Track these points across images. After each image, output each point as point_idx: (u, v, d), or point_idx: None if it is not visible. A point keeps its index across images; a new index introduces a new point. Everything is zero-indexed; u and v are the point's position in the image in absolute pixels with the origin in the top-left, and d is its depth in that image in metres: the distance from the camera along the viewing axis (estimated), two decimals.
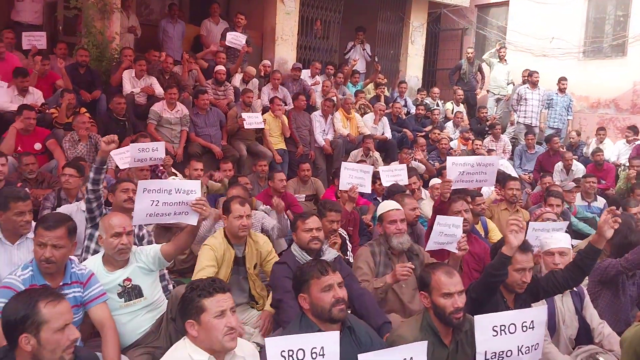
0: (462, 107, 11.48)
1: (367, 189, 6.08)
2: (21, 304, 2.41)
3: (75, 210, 4.99)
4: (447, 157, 5.15)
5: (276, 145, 8.46)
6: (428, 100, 11.49)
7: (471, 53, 12.22)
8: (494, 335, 2.97)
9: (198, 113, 8.00)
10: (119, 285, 3.56)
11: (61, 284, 3.28)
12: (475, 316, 2.99)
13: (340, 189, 6.13)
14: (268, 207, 5.96)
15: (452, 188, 4.72)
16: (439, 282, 3.01)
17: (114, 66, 8.30)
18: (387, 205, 4.38)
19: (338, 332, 2.74)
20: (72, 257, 3.47)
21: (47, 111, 7.07)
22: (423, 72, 13.05)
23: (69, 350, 2.45)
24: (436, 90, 11.84)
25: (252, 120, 7.95)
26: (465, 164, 4.73)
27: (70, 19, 9.10)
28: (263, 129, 8.28)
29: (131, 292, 3.60)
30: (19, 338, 2.36)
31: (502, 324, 2.98)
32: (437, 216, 4.15)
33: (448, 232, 4.08)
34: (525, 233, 3.57)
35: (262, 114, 8.46)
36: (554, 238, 4.07)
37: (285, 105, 9.16)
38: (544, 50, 12.35)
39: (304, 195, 7.45)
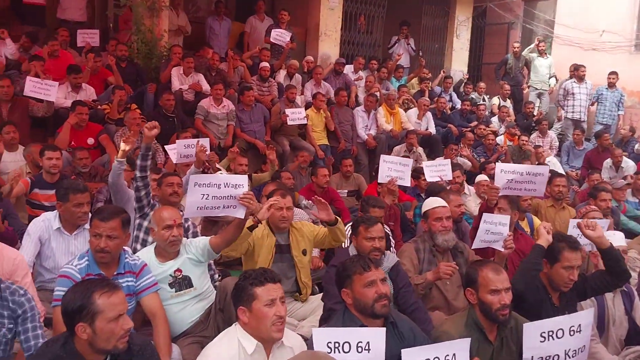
0: (508, 102, 11.31)
1: (407, 182, 6.07)
2: (78, 294, 2.50)
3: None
4: (496, 164, 5.07)
5: (319, 141, 8.51)
6: (474, 95, 11.35)
7: (517, 47, 11.99)
8: (541, 342, 2.96)
9: (243, 109, 8.12)
10: (170, 275, 3.68)
11: (115, 273, 3.41)
12: (524, 324, 3.00)
13: (379, 181, 6.13)
14: (310, 202, 6.03)
15: (500, 195, 4.64)
16: (486, 278, 3.02)
17: (163, 63, 8.51)
18: (433, 202, 4.35)
19: (384, 329, 2.77)
20: (125, 247, 3.61)
21: (99, 107, 7.30)
22: (468, 66, 12.90)
23: (122, 340, 2.51)
24: (482, 85, 11.68)
25: (295, 116, 8.03)
26: (515, 172, 4.63)
27: (118, 16, 9.38)
28: (306, 124, 8.36)
29: (182, 282, 3.71)
30: (76, 327, 2.45)
31: (550, 329, 2.98)
32: (484, 214, 4.13)
33: (494, 230, 4.06)
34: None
35: (305, 109, 8.55)
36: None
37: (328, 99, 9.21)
38: (594, 44, 12.01)
39: (346, 191, 7.49)
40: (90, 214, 4.01)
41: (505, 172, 4.65)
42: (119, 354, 2.56)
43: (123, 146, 4.61)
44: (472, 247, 4.17)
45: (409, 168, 6.10)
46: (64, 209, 4.01)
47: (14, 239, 4.23)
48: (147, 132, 4.30)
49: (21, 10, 8.85)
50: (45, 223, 4.03)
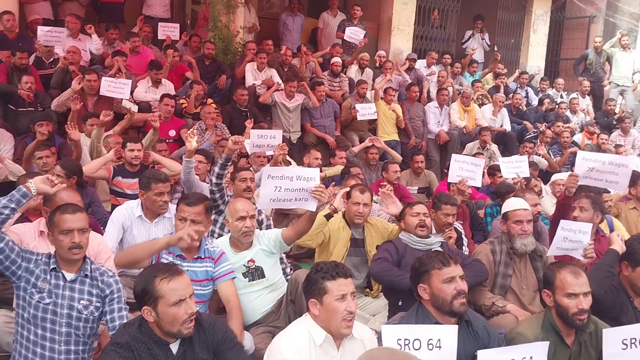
0: (587, 99, 10.84)
1: (478, 183, 5.91)
2: (142, 279, 2.59)
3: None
4: (578, 152, 4.89)
5: (389, 137, 8.47)
6: (551, 92, 10.95)
7: (599, 42, 11.44)
8: (623, 349, 2.85)
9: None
10: (244, 265, 3.79)
11: (195, 257, 3.55)
12: (603, 330, 2.90)
13: (449, 181, 6.02)
14: (379, 196, 6.00)
15: (579, 184, 4.48)
16: (563, 281, 2.92)
17: (238, 59, 8.71)
18: (514, 204, 4.16)
19: (456, 326, 2.74)
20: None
21: (177, 102, 7.56)
22: (545, 62, 12.45)
23: (186, 325, 2.53)
24: (560, 81, 11.25)
25: (365, 111, 8.02)
26: (597, 161, 4.46)
27: (195, 13, 9.66)
28: (376, 119, 8.32)
29: (254, 272, 3.81)
30: (142, 310, 2.55)
31: (632, 336, 2.86)
32: (562, 221, 3.93)
33: (573, 238, 3.87)
34: None
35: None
36: None
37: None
38: None
39: (417, 188, 7.42)
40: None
41: (586, 160, 4.49)
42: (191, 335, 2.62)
43: (189, 146, 4.76)
44: (548, 254, 3.99)
45: (481, 168, 5.93)
46: (146, 197, 4.20)
47: (96, 227, 4.46)
48: (231, 144, 4.35)
49: (98, 7, 9.24)
50: (128, 211, 4.24)
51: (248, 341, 3.55)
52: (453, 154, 6.11)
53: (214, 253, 3.62)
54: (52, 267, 2.93)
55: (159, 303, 2.50)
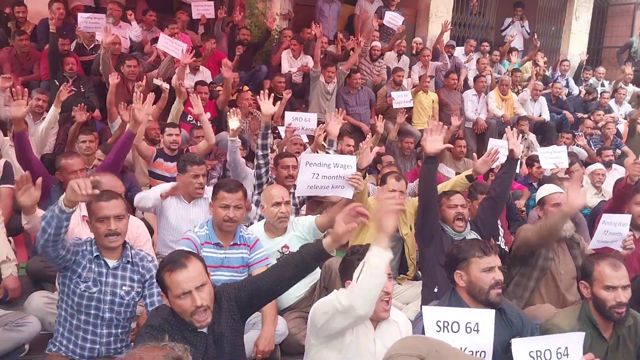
0: (631, 88, 10.52)
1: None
2: (159, 267, 2.59)
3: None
4: None
5: (424, 125, 8.39)
6: (592, 81, 10.67)
7: None
8: None
9: (349, 92, 8.16)
10: (278, 251, 3.83)
11: (231, 243, 3.61)
12: None
13: None
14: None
15: None
16: (602, 273, 2.86)
17: (274, 46, 8.73)
18: (549, 189, 4.20)
19: (493, 310, 2.73)
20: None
21: (214, 89, 7.63)
22: (587, 50, 12.12)
23: (197, 317, 2.45)
24: (602, 70, 10.95)
25: (401, 99, 7.95)
26: None
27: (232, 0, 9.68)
28: (412, 107, 8.25)
29: None
30: (161, 296, 2.57)
31: None
32: (603, 215, 3.91)
33: (613, 230, 3.85)
34: None
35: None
36: None
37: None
38: None
39: (454, 172, 7.33)
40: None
41: None
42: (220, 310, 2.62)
43: (232, 125, 4.81)
44: (589, 248, 3.96)
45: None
46: (183, 180, 4.27)
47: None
48: (265, 109, 4.42)
49: None
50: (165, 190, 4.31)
51: (282, 326, 3.60)
52: (490, 138, 5.99)
53: (248, 240, 3.67)
54: (95, 254, 2.98)
55: (168, 294, 2.50)
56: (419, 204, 3.96)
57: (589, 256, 3.16)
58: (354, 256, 2.74)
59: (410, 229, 4.38)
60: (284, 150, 6.00)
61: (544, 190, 4.24)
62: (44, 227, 2.68)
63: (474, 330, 2.63)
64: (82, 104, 5.89)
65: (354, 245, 2.85)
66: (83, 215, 3.65)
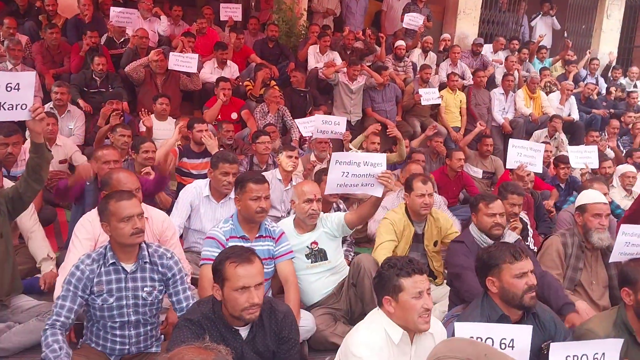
0: None
1: (538, 168, 5.67)
2: (218, 257, 2.62)
3: (271, 178, 5.31)
4: None
5: (452, 123, 8.33)
6: (623, 81, 10.48)
7: None
8: None
9: (376, 88, 8.12)
10: (307, 247, 3.83)
11: (257, 236, 3.61)
12: None
13: (507, 167, 5.84)
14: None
15: None
16: None
17: (302, 42, 8.72)
18: (593, 197, 4.00)
19: (531, 327, 2.66)
20: None
21: (240, 83, 7.65)
22: (619, 49, 11.90)
23: (248, 312, 2.49)
24: (635, 69, 10.74)
25: (429, 96, 7.88)
26: None
27: None
28: (439, 105, 8.18)
29: (317, 254, 3.84)
30: (212, 287, 2.60)
31: None
32: (622, 226, 3.74)
33: (637, 242, 3.67)
34: None
35: (440, 90, 8.38)
36: None
37: (464, 80, 8.97)
38: None
39: (482, 171, 7.27)
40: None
41: None
42: (262, 322, 2.65)
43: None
44: (610, 261, 3.79)
45: (541, 153, 5.68)
46: (213, 176, 4.29)
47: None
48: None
49: None
50: (197, 190, 4.35)
51: (310, 322, 3.59)
52: (511, 140, 5.87)
53: (274, 232, 3.68)
54: (110, 262, 2.91)
55: (225, 285, 2.51)
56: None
57: (631, 262, 3.08)
58: (391, 270, 2.63)
59: (435, 244, 4.30)
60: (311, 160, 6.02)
61: (587, 197, 4.04)
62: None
63: (508, 346, 2.57)
64: (117, 100, 6.06)
65: (390, 258, 2.74)
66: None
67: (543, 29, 10.81)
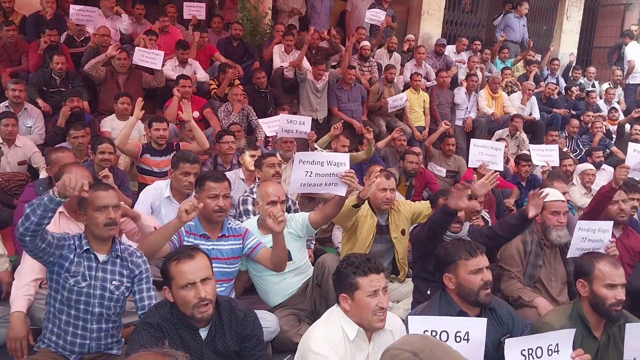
0: (619, 89, 10.60)
1: (499, 167, 5.79)
2: (166, 258, 2.62)
3: (234, 178, 5.28)
4: (629, 143, 4.78)
5: (416, 122, 8.40)
6: (582, 81, 10.74)
7: (635, 30, 11.17)
8: None
9: (342, 88, 8.13)
10: (271, 247, 3.80)
11: (219, 235, 3.59)
12: (627, 324, 2.85)
13: (469, 166, 5.95)
14: None
15: (629, 176, 4.39)
16: (603, 272, 2.88)
17: (266, 41, 8.68)
18: (552, 195, 4.07)
19: (486, 319, 2.70)
20: None
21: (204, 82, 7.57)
22: (578, 50, 12.19)
23: (199, 310, 2.49)
24: (592, 69, 11.02)
25: (396, 103, 7.95)
26: None
27: None
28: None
29: None
30: (162, 289, 2.60)
31: None
32: (579, 222, 3.85)
33: (593, 237, 3.80)
34: None
35: (404, 89, 8.44)
36: None
37: (427, 81, 9.06)
38: None
39: (445, 170, 7.37)
40: None
41: (638, 152, 4.41)
42: (222, 321, 2.64)
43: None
44: (568, 256, 3.89)
45: (501, 152, 5.81)
46: (174, 177, 4.22)
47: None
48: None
49: None
50: (158, 191, 4.27)
51: (274, 323, 3.58)
52: (472, 139, 5.96)
53: (238, 230, 3.66)
54: (85, 248, 2.94)
55: (172, 285, 2.51)
56: (425, 239, 3.81)
57: (586, 255, 3.16)
58: (349, 269, 2.64)
59: (403, 233, 4.35)
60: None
61: (547, 196, 4.07)
62: (28, 214, 2.63)
63: (464, 339, 2.60)
64: (77, 97, 5.97)
65: (348, 255, 2.75)
66: (60, 212, 3.53)
67: (512, 25, 10.92)
